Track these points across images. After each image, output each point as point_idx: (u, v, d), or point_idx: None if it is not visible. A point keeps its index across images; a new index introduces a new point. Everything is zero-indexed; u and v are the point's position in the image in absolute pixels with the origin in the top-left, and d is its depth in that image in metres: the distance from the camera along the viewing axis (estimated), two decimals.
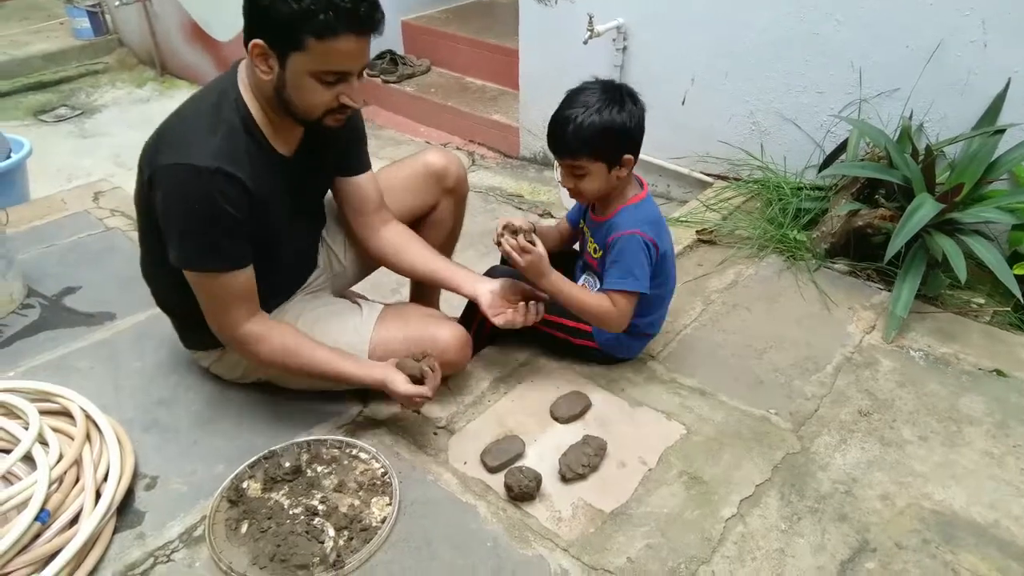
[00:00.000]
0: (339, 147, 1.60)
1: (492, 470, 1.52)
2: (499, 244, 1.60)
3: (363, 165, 1.67)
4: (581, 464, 1.50)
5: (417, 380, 1.50)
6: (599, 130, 1.53)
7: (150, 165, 1.37)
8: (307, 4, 1.22)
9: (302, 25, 1.23)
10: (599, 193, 1.65)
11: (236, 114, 1.38)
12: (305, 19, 1.23)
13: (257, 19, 1.28)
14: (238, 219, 1.36)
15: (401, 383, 1.49)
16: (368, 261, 1.83)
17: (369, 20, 1.28)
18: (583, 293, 1.66)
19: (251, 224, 1.40)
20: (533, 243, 1.57)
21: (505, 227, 1.60)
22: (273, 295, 1.64)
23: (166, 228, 1.39)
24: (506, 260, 1.73)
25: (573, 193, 1.65)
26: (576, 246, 1.89)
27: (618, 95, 1.56)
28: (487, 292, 1.63)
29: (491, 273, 1.82)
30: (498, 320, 1.60)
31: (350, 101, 1.36)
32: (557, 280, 1.61)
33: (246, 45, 1.32)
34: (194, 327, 1.60)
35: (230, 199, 1.34)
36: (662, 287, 1.75)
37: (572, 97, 1.58)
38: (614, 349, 1.80)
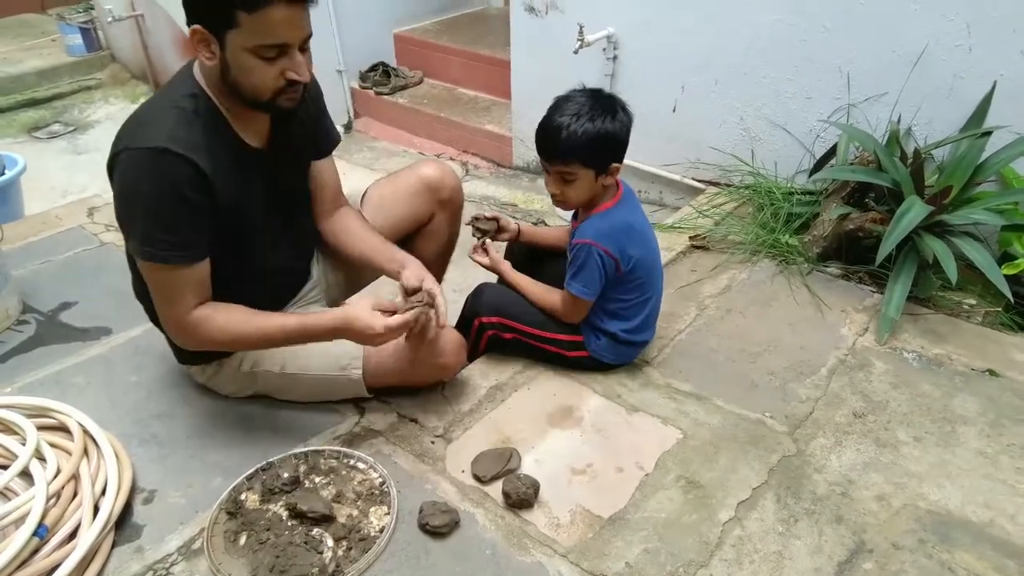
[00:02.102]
0: (307, 128, 1.58)
1: (483, 482, 1.52)
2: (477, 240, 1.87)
3: (330, 143, 1.66)
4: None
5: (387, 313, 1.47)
6: (593, 137, 1.55)
7: (109, 160, 1.36)
8: None
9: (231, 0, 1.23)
10: (583, 200, 1.68)
11: (195, 105, 1.37)
12: None
13: (191, 3, 1.29)
14: (194, 203, 1.34)
15: (365, 313, 1.45)
16: (361, 271, 1.83)
17: None
18: (532, 287, 1.81)
19: (216, 218, 1.39)
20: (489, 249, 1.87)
21: (474, 224, 1.85)
22: (259, 306, 1.65)
23: (122, 218, 1.38)
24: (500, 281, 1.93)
25: (558, 199, 1.68)
26: None
27: (610, 104, 1.58)
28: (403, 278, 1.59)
29: (480, 290, 1.86)
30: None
31: (296, 75, 1.32)
32: (512, 275, 1.84)
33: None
34: None
35: (184, 181, 1.32)
36: (637, 293, 1.74)
37: (561, 104, 1.60)
38: (605, 357, 1.81)
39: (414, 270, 1.58)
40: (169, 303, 1.43)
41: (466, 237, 2.08)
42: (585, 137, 1.55)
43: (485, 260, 1.85)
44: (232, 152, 1.41)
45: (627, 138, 1.60)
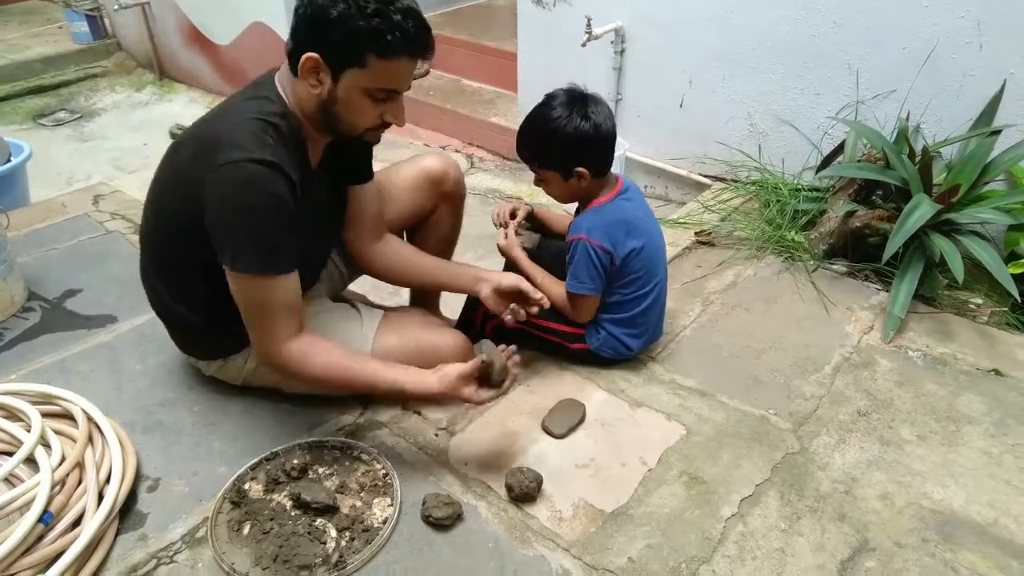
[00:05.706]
0: (354, 157, 1.61)
1: (558, 437, 1.58)
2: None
3: (370, 173, 1.68)
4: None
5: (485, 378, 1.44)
6: (543, 139, 1.58)
7: (201, 168, 1.32)
8: (377, 24, 1.26)
9: (369, 44, 1.27)
10: (564, 198, 1.70)
11: (287, 125, 1.37)
12: (373, 38, 1.27)
13: (317, 33, 1.29)
14: (294, 217, 1.35)
15: (458, 381, 1.42)
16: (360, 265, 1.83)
17: (425, 46, 1.35)
18: (546, 280, 1.76)
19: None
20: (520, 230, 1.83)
21: (505, 214, 1.84)
22: None
23: (222, 230, 1.33)
24: (507, 268, 1.87)
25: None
26: None
27: (581, 106, 1.56)
28: (488, 289, 1.66)
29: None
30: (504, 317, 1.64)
31: (392, 119, 1.40)
32: (526, 265, 1.78)
33: (294, 57, 1.32)
34: (200, 337, 1.63)
35: (288, 196, 1.34)
36: (635, 287, 1.73)
37: (542, 103, 1.60)
38: (604, 352, 1.80)
39: (499, 278, 1.65)
40: (271, 321, 1.38)
41: (468, 230, 2.07)
42: (534, 138, 1.58)
43: (503, 241, 1.82)
44: (303, 171, 1.42)
45: (590, 140, 1.57)
